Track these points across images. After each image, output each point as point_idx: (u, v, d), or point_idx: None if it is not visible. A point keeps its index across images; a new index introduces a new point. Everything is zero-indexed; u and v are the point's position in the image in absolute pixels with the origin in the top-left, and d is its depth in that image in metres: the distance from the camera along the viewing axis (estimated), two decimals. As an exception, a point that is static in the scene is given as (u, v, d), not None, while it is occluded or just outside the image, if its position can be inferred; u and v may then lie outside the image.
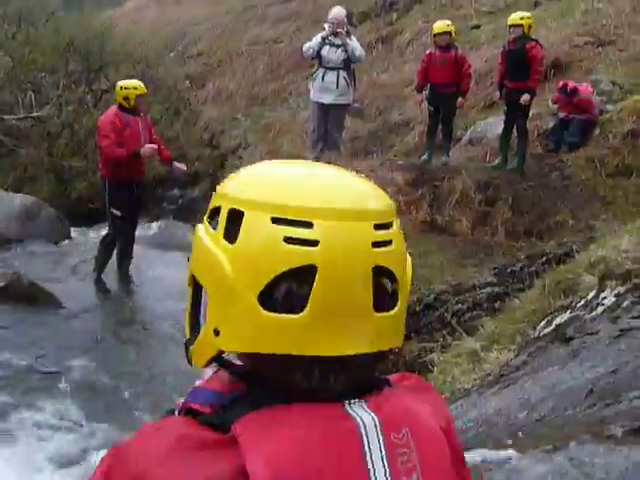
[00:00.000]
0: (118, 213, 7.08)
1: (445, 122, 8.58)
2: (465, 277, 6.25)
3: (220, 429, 0.85)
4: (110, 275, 7.54)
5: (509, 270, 6.13)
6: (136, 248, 7.67)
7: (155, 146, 6.99)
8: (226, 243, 0.87)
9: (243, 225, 0.85)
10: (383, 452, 0.87)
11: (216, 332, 0.88)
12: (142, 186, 7.38)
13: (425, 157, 8.76)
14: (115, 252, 7.47)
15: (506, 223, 7.47)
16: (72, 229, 9.62)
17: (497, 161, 8.34)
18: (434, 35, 8.32)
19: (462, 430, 2.74)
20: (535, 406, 2.69)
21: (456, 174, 7.97)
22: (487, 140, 9.12)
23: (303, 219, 0.84)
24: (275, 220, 0.84)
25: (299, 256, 0.83)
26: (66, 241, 9.12)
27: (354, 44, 8.89)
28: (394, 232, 0.90)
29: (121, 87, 6.93)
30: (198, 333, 0.93)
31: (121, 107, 6.88)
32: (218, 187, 0.94)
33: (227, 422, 0.85)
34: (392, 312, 0.89)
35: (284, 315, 0.84)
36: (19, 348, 6.00)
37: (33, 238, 8.89)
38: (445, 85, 8.21)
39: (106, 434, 4.88)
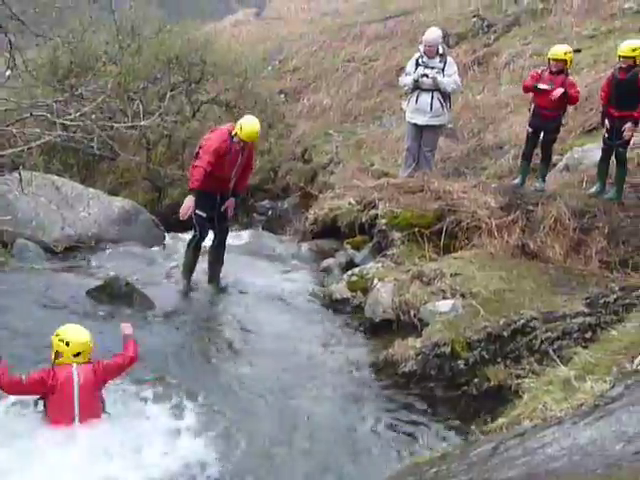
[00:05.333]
0: (203, 214, 7.42)
1: (545, 146, 8.46)
2: (556, 305, 6.08)
3: None
4: (202, 279, 7.78)
5: (602, 301, 5.94)
6: (226, 255, 7.89)
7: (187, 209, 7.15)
8: None
9: None
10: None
11: None
12: (226, 197, 7.59)
13: (518, 181, 8.63)
14: (208, 258, 7.74)
15: (600, 253, 7.21)
16: (165, 234, 9.95)
17: (594, 189, 8.10)
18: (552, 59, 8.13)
19: (554, 457, 2.72)
20: (633, 439, 2.63)
21: (551, 200, 7.82)
22: (584, 167, 8.90)
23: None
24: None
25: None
26: (160, 246, 9.45)
27: (445, 81, 8.96)
28: None
29: (241, 127, 7.18)
30: None
31: (231, 133, 7.23)
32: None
33: None
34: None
35: None
36: (112, 346, 6.20)
37: (130, 241, 9.26)
38: (550, 109, 8.13)
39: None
